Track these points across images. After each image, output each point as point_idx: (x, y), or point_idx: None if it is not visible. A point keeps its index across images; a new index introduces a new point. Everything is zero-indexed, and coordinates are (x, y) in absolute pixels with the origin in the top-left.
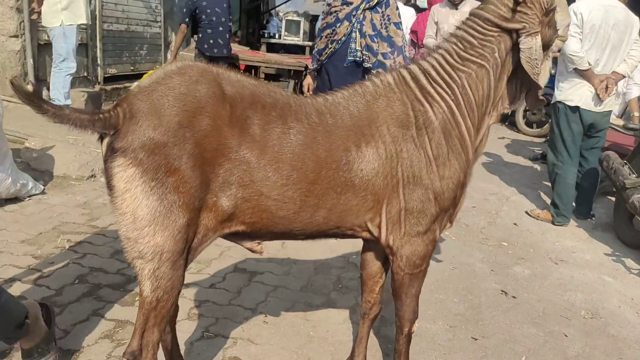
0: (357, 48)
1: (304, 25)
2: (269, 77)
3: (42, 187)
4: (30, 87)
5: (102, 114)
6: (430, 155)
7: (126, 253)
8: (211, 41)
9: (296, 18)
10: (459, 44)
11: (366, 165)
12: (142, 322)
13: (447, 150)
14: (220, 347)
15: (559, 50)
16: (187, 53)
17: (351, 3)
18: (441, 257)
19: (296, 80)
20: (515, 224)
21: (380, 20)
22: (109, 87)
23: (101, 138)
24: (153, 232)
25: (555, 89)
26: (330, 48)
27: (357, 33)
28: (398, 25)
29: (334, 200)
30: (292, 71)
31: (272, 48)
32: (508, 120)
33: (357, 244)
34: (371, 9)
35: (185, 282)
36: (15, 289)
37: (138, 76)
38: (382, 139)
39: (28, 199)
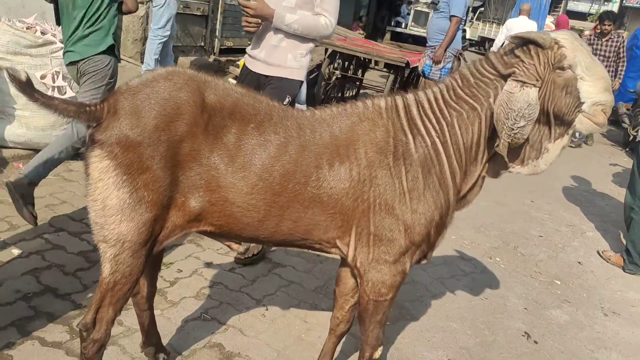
0: None
1: (431, 17)
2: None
3: None
4: (24, 77)
5: (89, 107)
6: (405, 187)
7: (93, 235)
8: None
9: (425, 9)
10: (458, 80)
11: (336, 184)
12: (99, 299)
13: (424, 186)
14: (211, 331)
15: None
16: None
17: None
18: (476, 284)
19: (396, 76)
20: (579, 262)
21: None
22: (223, 59)
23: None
24: (119, 221)
25: None
26: None
27: None
28: None
29: (299, 213)
30: (393, 65)
31: (399, 37)
32: (630, 146)
33: None
34: None
35: (209, 260)
36: None
37: None
38: (357, 161)
39: None
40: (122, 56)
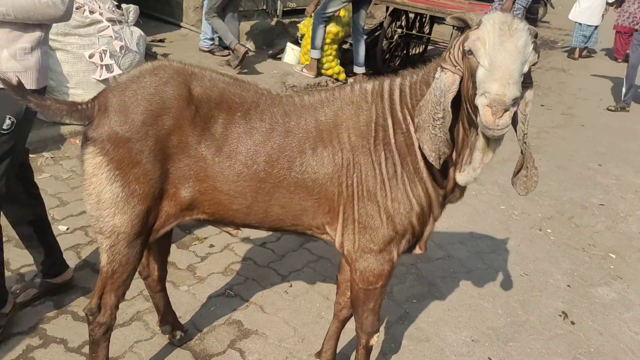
0: None
1: None
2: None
3: None
4: (15, 81)
5: (80, 106)
6: (384, 174)
7: (91, 227)
8: None
9: None
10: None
11: (320, 169)
12: (100, 287)
13: (401, 174)
14: (233, 308)
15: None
16: None
17: None
18: (519, 259)
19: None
20: None
21: None
22: (286, 21)
23: None
24: (113, 214)
25: None
26: None
27: None
28: None
29: (286, 198)
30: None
31: None
32: None
33: None
34: None
35: (242, 236)
36: None
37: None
38: (340, 146)
39: None
40: (183, 24)
